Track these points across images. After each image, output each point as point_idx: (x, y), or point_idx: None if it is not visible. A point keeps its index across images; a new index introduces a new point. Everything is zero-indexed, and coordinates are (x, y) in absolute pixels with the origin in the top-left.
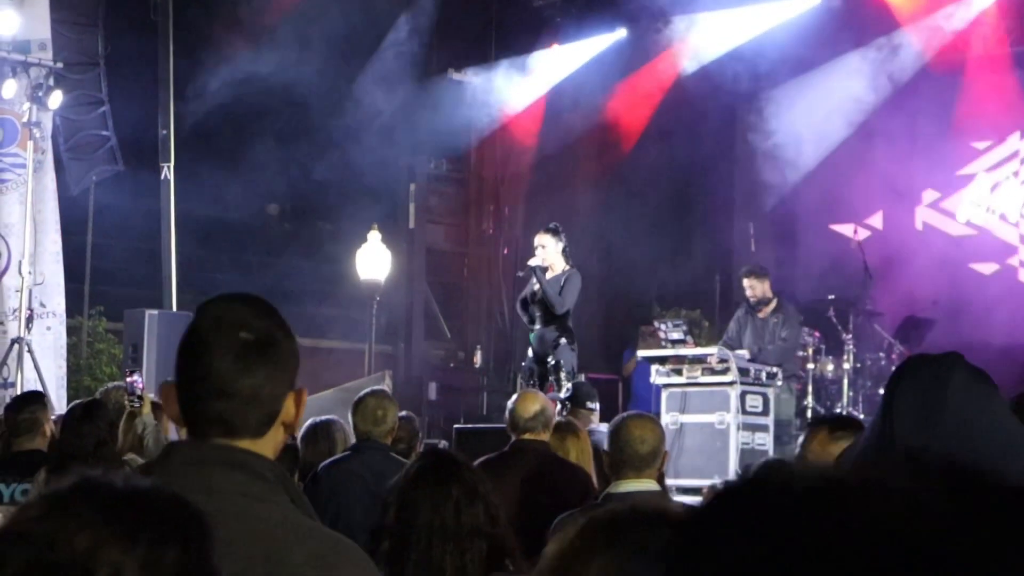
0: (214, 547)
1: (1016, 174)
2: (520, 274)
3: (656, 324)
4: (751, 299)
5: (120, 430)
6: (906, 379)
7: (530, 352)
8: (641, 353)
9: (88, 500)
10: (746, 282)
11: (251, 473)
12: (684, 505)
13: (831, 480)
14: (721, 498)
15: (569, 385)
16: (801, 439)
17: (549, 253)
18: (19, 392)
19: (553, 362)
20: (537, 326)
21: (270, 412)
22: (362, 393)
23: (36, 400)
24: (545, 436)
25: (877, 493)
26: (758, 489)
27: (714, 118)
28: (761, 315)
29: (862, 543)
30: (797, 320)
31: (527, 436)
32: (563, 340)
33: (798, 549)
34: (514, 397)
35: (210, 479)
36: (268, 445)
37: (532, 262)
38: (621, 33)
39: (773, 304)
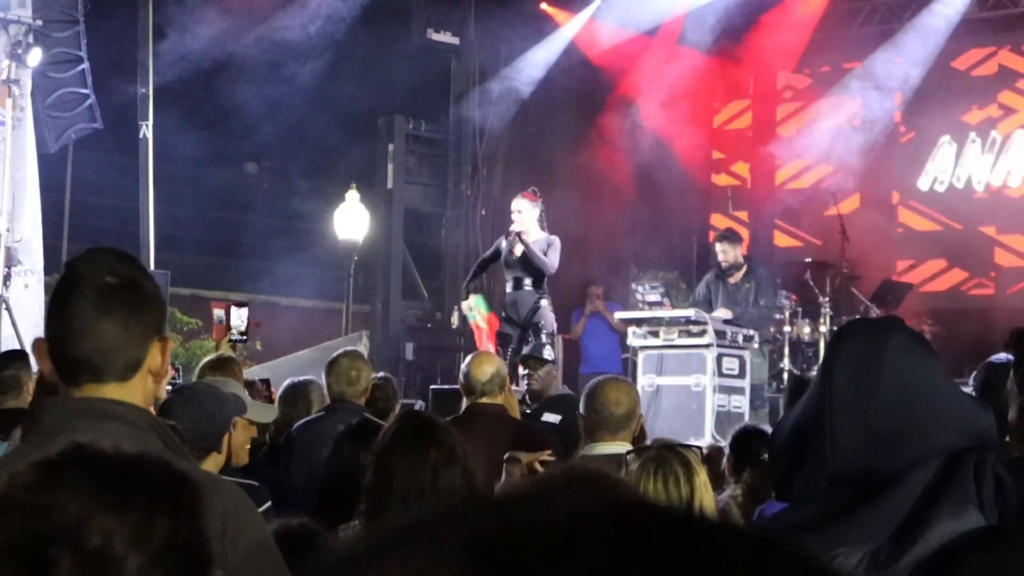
0: (205, 515)
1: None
2: (505, 243)
3: (633, 286)
4: (723, 263)
5: None
6: (845, 342)
7: (503, 314)
8: (619, 315)
9: (79, 468)
10: (718, 246)
11: (122, 421)
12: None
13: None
14: None
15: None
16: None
17: (525, 218)
18: None
19: (534, 323)
20: (509, 289)
21: (134, 357)
22: (336, 354)
23: (19, 358)
24: (500, 399)
25: None
26: None
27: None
28: (732, 280)
29: None
30: (772, 284)
31: (484, 400)
32: (543, 302)
33: None
34: (468, 359)
35: (82, 430)
36: (136, 392)
37: (513, 228)
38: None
39: (744, 269)
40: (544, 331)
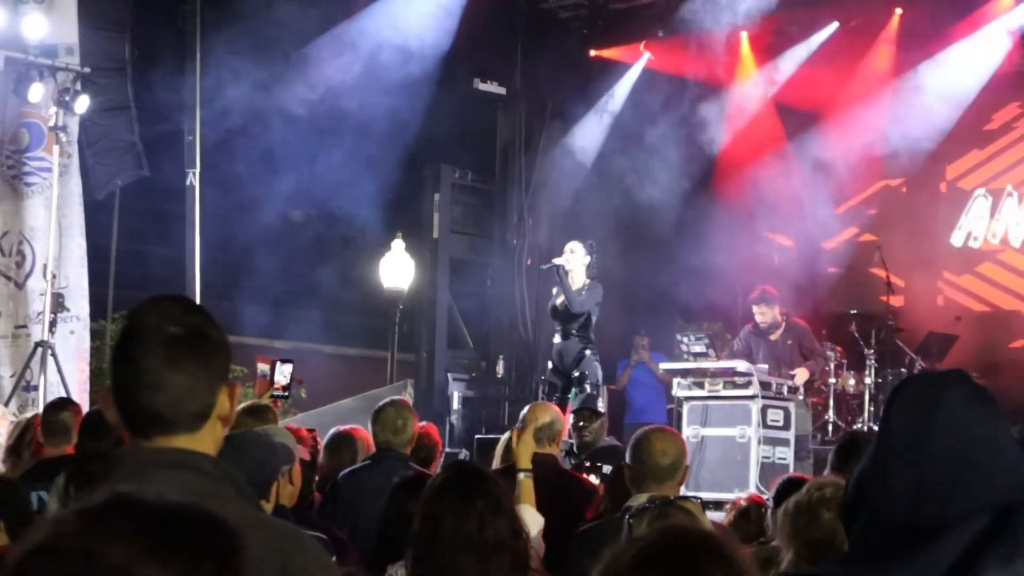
0: (246, 564)
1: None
2: (543, 267)
3: (679, 337)
4: (762, 325)
5: None
6: (901, 397)
7: (550, 365)
8: (664, 366)
9: (123, 515)
10: (755, 308)
11: (195, 471)
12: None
13: None
14: None
15: (583, 396)
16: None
17: (575, 260)
18: (42, 395)
19: (578, 374)
20: (557, 339)
21: (203, 406)
22: (382, 403)
23: (67, 406)
24: (551, 449)
25: None
26: None
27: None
28: (773, 338)
29: None
30: (810, 336)
31: (535, 448)
32: (588, 352)
33: None
34: (526, 408)
35: (155, 482)
36: (207, 441)
37: (557, 260)
38: (646, 56)
39: (783, 327)
40: (588, 381)
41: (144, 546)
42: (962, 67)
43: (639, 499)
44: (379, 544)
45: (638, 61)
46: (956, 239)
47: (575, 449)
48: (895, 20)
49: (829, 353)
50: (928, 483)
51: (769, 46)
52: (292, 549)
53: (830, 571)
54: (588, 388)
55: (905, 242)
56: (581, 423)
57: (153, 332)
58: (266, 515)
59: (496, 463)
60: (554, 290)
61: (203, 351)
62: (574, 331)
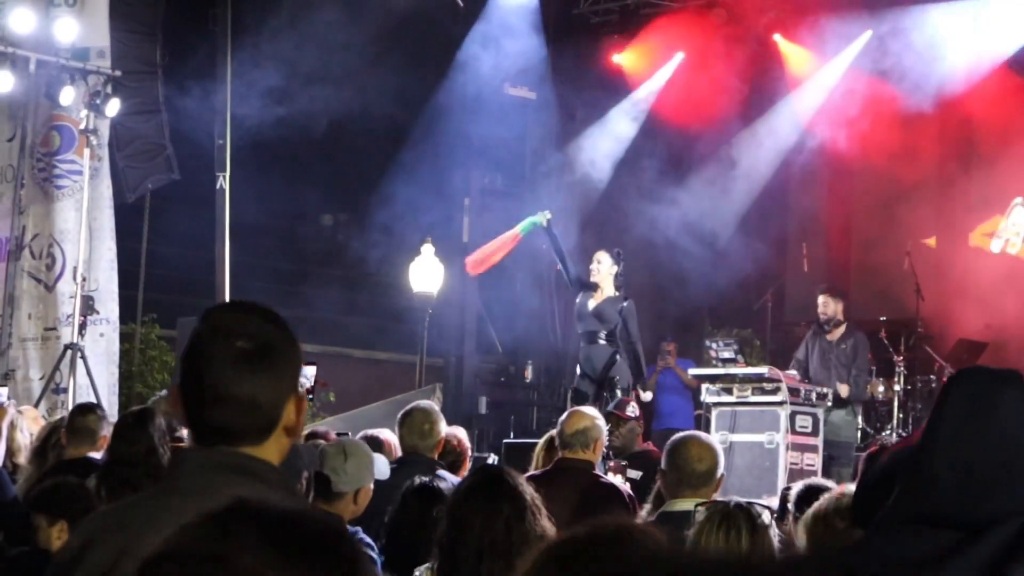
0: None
1: None
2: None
3: (707, 343)
4: (821, 316)
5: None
6: (959, 387)
7: (578, 370)
8: (693, 371)
9: (251, 521)
10: (820, 299)
11: (256, 479)
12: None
13: None
14: None
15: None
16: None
17: (602, 270)
18: (71, 397)
19: (610, 378)
20: (583, 343)
21: (270, 419)
22: (409, 407)
23: (93, 410)
24: (586, 455)
25: None
26: None
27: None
28: (829, 336)
29: None
30: (866, 349)
31: (568, 453)
32: (618, 356)
33: None
34: (564, 414)
35: (216, 486)
36: (271, 451)
37: (592, 277)
38: (679, 57)
39: (843, 329)
40: (620, 386)
41: (273, 551)
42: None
43: (675, 504)
44: (387, 547)
45: (670, 63)
46: (995, 246)
47: (609, 454)
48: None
49: (872, 368)
50: (975, 479)
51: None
52: None
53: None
54: (619, 393)
55: (937, 247)
56: (609, 427)
57: (221, 346)
58: None
59: (533, 467)
60: (578, 298)
61: (271, 365)
62: (602, 336)
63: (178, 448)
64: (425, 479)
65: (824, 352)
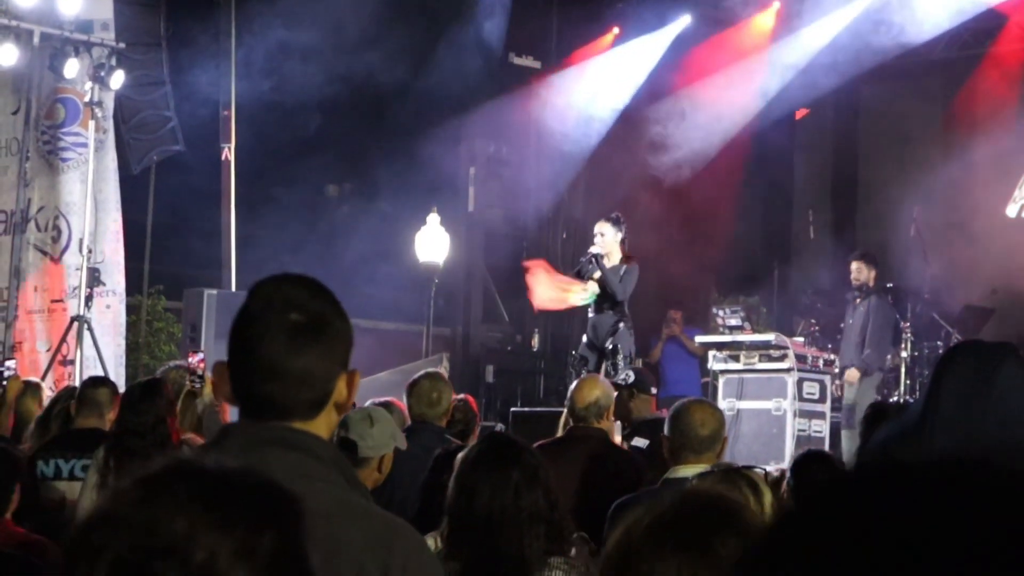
0: (307, 533)
1: None
2: (583, 259)
3: (714, 310)
4: (854, 283)
5: (178, 409)
6: (956, 362)
7: (584, 338)
8: (700, 339)
9: (184, 484)
10: (853, 264)
11: (307, 453)
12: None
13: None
14: (815, 498)
15: (630, 371)
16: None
17: (607, 241)
18: (78, 369)
19: (611, 347)
20: (592, 313)
21: (321, 394)
22: (417, 375)
23: (104, 383)
24: (600, 424)
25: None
26: (851, 488)
27: (773, 103)
28: (858, 301)
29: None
30: (885, 316)
31: (583, 425)
32: (621, 325)
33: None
34: (574, 383)
35: (267, 459)
36: (321, 426)
37: (592, 250)
38: (685, 20)
39: (871, 297)
40: (620, 354)
41: (206, 515)
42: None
43: (677, 471)
44: (420, 515)
45: (674, 28)
46: (1011, 211)
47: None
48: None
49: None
50: (975, 452)
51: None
52: (394, 540)
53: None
54: (620, 361)
55: (947, 211)
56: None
57: (274, 318)
58: (371, 504)
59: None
60: (585, 261)
61: (324, 339)
62: (607, 304)
63: (227, 423)
64: (452, 446)
65: (852, 318)
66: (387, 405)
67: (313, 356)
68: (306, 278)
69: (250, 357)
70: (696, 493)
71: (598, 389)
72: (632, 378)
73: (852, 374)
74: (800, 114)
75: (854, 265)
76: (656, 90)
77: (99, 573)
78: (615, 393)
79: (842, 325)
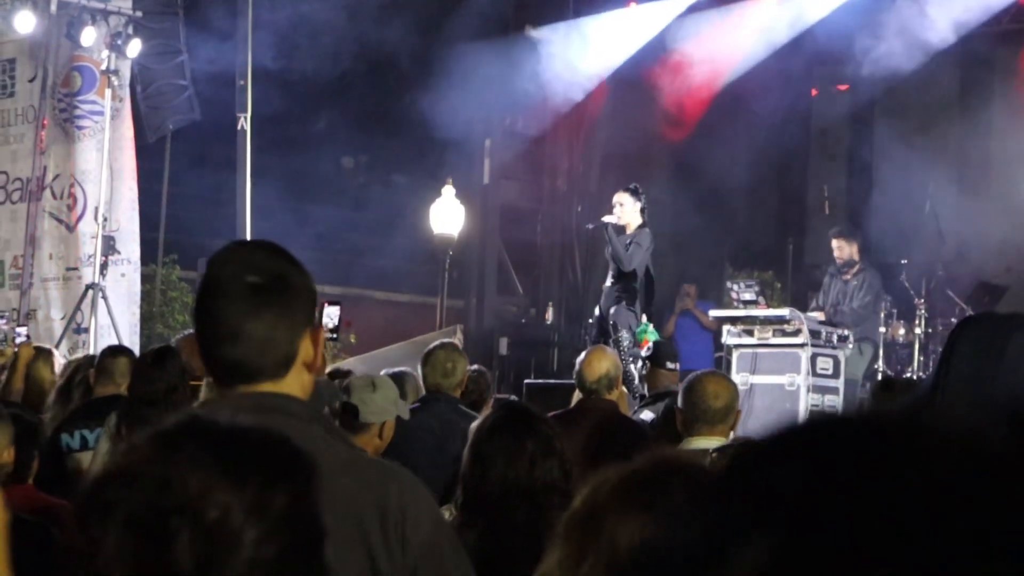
0: (319, 490)
1: None
2: (589, 226)
3: (728, 284)
4: (838, 260)
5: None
6: (967, 332)
7: (597, 310)
8: (713, 313)
9: (197, 440)
10: (834, 242)
11: (284, 413)
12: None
13: (892, 417)
14: (786, 433)
15: (652, 344)
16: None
17: (626, 212)
18: (92, 337)
19: (612, 322)
20: (606, 283)
21: (286, 354)
22: (432, 345)
23: (122, 352)
24: (610, 396)
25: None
26: (815, 428)
27: (793, 77)
28: (845, 277)
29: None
30: (877, 287)
31: (594, 397)
32: (622, 301)
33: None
34: (582, 356)
35: None
36: (293, 386)
37: (607, 218)
38: None
39: (857, 268)
40: (621, 330)
41: (220, 473)
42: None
43: (690, 443)
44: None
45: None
46: None
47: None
48: None
49: (886, 303)
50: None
51: None
52: (387, 483)
53: None
54: (622, 337)
55: (963, 188)
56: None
57: (230, 282)
58: (359, 453)
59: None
60: (591, 228)
61: (283, 298)
62: (614, 275)
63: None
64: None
65: (838, 293)
66: (402, 375)
67: (272, 317)
68: (264, 242)
69: (212, 323)
70: (665, 456)
71: (607, 361)
72: (651, 351)
73: (819, 315)
74: (842, 88)
75: (834, 243)
76: (672, 61)
77: (111, 529)
78: (621, 364)
79: (817, 302)
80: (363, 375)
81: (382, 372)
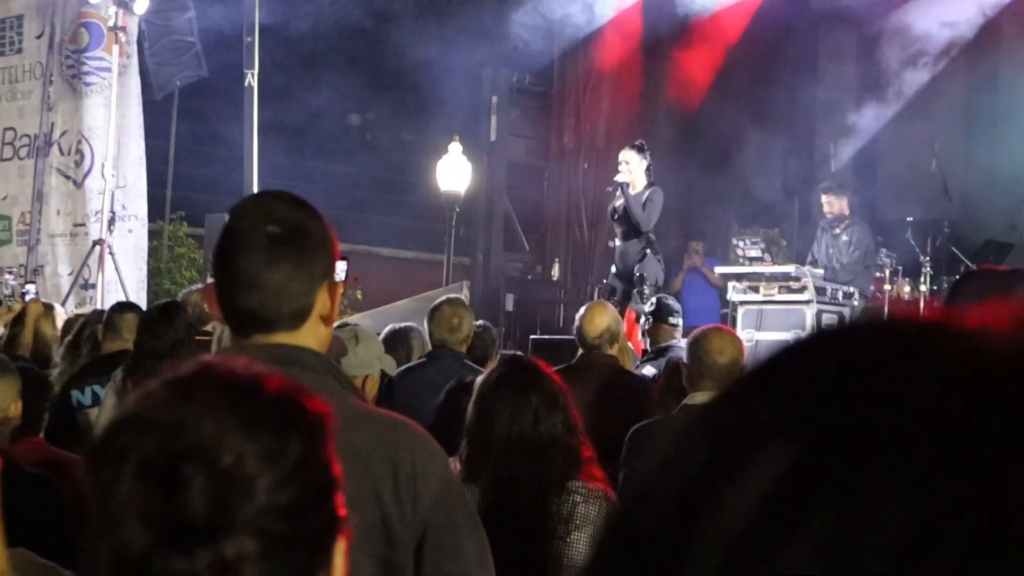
0: (332, 438)
1: None
2: (609, 189)
3: (734, 241)
4: (828, 215)
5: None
6: (969, 285)
7: (613, 268)
8: (719, 269)
9: (212, 387)
10: (824, 198)
11: (297, 364)
12: None
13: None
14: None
15: (653, 299)
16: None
17: (633, 169)
18: (99, 293)
19: (638, 275)
20: (619, 242)
21: (302, 305)
22: (438, 301)
23: (130, 308)
24: (612, 351)
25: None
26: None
27: (797, 34)
28: (836, 232)
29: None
30: (867, 241)
31: (595, 352)
32: (648, 252)
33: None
34: (582, 311)
35: None
36: (308, 337)
37: (618, 178)
38: None
39: (847, 223)
40: (647, 283)
41: (234, 419)
42: None
43: (695, 397)
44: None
45: None
46: None
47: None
48: None
49: (885, 259)
50: None
51: None
52: (399, 438)
53: None
54: (646, 290)
55: (969, 145)
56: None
57: (250, 231)
58: (372, 408)
59: None
60: (612, 190)
61: (302, 249)
62: (633, 233)
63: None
64: (468, 379)
65: (829, 248)
66: (408, 331)
67: (290, 266)
68: (286, 193)
69: (230, 271)
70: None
71: (608, 316)
72: (654, 307)
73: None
74: None
75: (824, 198)
76: (676, 16)
77: (124, 475)
78: (622, 318)
79: (814, 253)
80: (347, 327)
81: (387, 327)
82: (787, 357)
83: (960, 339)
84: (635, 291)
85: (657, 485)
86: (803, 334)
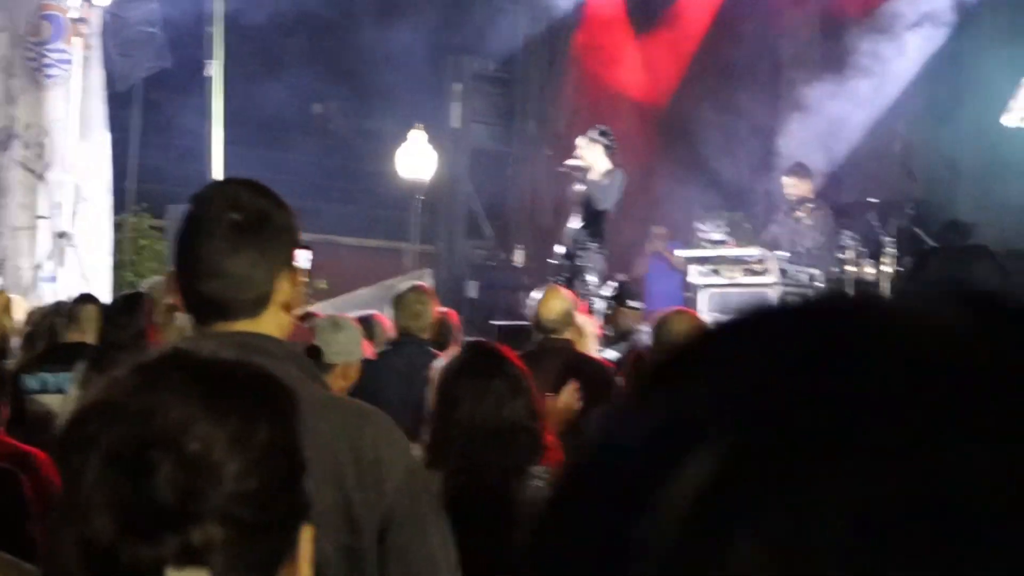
0: (300, 424)
1: None
2: (559, 169)
3: (696, 224)
4: (790, 198)
5: (160, 324)
6: (931, 262)
7: (564, 250)
8: (681, 253)
9: (179, 373)
10: (786, 180)
11: (257, 351)
12: None
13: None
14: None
15: (615, 283)
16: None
17: (590, 154)
18: (62, 287)
19: (579, 264)
20: (571, 224)
21: (262, 293)
22: (401, 288)
23: (91, 300)
24: (569, 335)
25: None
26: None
27: (761, 16)
28: (798, 215)
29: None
30: (831, 225)
31: (553, 336)
32: (591, 243)
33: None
34: (537, 296)
35: None
36: (270, 325)
37: (569, 162)
38: None
39: (811, 207)
40: (586, 272)
41: (201, 405)
42: None
43: None
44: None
45: None
46: (1009, 120)
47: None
48: None
49: (849, 241)
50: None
51: None
52: (362, 425)
53: None
54: (589, 278)
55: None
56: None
57: (213, 219)
58: (334, 394)
59: None
60: (565, 173)
61: (263, 236)
62: (583, 218)
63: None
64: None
65: (790, 232)
66: (369, 319)
67: (250, 253)
68: (249, 180)
69: (191, 258)
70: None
71: (562, 300)
72: (616, 291)
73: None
74: None
75: (787, 180)
76: (640, 1)
77: (92, 463)
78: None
79: (778, 237)
80: (327, 316)
81: (350, 314)
82: (724, 338)
83: (900, 319)
84: (577, 280)
85: (590, 477)
86: (740, 312)
